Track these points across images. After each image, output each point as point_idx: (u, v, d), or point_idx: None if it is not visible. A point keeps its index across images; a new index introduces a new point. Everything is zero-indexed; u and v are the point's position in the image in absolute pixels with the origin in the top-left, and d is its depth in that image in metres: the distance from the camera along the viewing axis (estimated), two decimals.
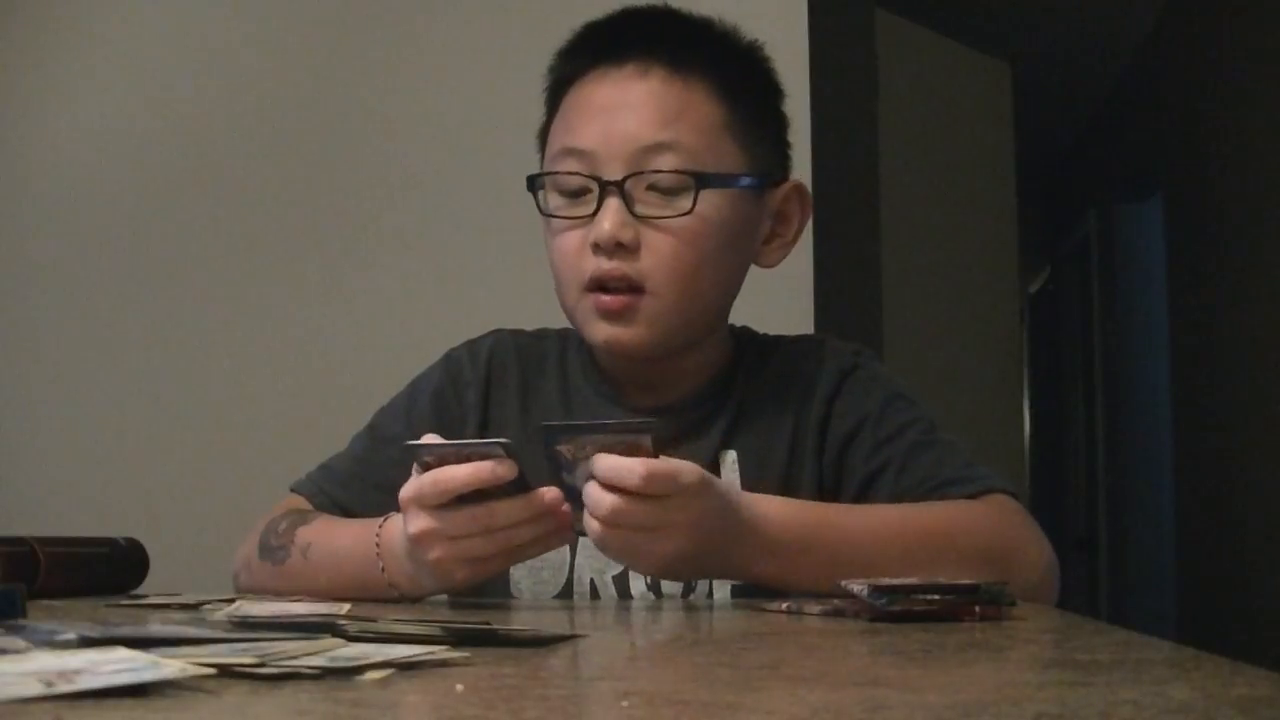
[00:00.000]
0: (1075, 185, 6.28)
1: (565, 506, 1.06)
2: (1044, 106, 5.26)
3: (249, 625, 0.81)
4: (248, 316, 2.40)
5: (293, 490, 1.38)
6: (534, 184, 1.32)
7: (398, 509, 1.11)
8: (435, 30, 2.41)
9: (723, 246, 1.29)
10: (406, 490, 1.08)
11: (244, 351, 2.39)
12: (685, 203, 1.26)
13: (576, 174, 1.27)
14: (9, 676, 0.51)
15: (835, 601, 1.01)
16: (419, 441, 1.08)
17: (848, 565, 1.09)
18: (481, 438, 1.34)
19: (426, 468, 1.07)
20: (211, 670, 0.56)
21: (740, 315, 1.39)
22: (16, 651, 0.59)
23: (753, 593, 1.21)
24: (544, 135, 1.35)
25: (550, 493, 1.06)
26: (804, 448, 1.31)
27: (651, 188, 1.26)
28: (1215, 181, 4.18)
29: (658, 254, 1.25)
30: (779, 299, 1.88)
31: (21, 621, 0.75)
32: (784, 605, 1.05)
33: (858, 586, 0.96)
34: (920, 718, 0.51)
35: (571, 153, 1.28)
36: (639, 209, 1.25)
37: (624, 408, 1.34)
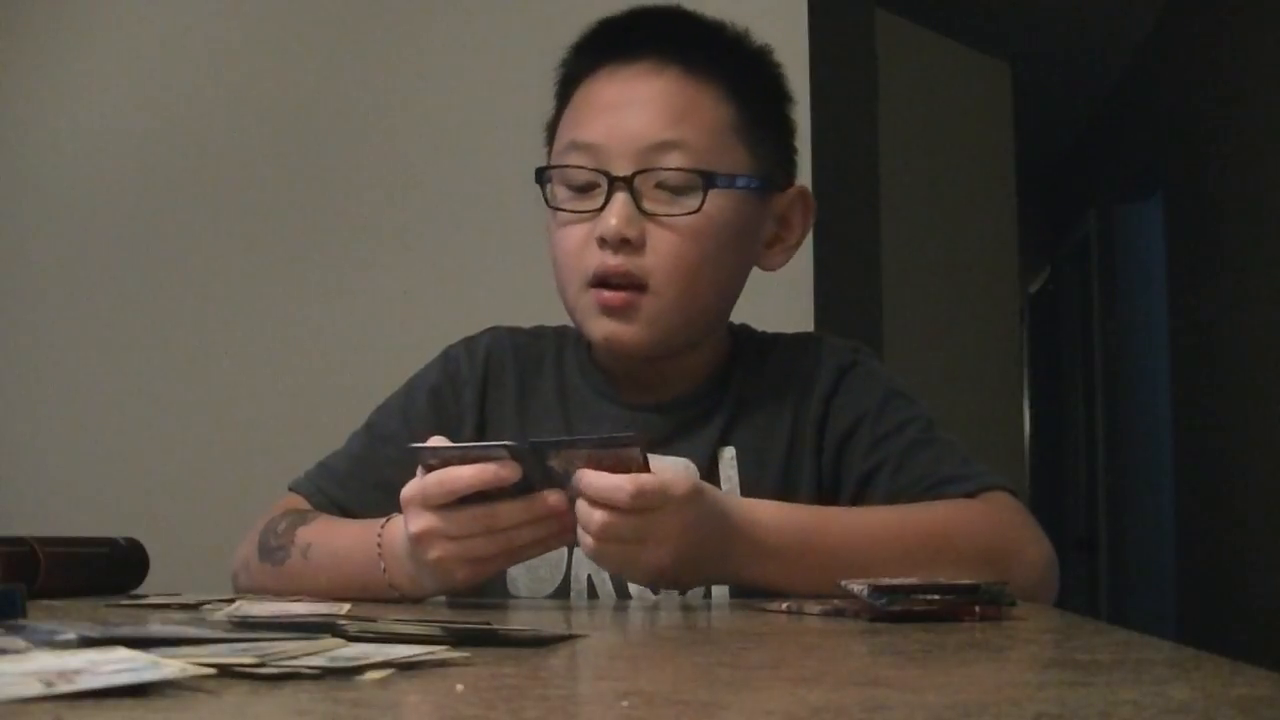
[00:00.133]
0: (1075, 185, 6.28)
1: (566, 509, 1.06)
2: (1044, 106, 5.26)
3: (249, 625, 0.81)
4: (247, 316, 2.40)
5: (290, 489, 1.38)
6: (542, 177, 1.32)
7: (396, 507, 1.10)
8: (436, 30, 2.41)
9: (726, 247, 1.29)
10: (409, 490, 1.08)
11: (244, 351, 2.39)
12: (693, 201, 1.25)
13: (584, 168, 1.27)
14: (9, 676, 0.51)
15: (835, 601, 1.01)
16: (424, 444, 1.08)
17: (845, 568, 1.08)
18: (479, 436, 1.34)
19: (430, 470, 1.06)
20: (211, 670, 0.56)
21: (740, 315, 1.39)
22: (16, 651, 0.59)
23: (751, 593, 1.21)
24: (552, 129, 1.35)
25: (553, 495, 1.06)
26: (802, 445, 1.31)
27: (660, 185, 1.26)
28: (1215, 181, 4.18)
29: (662, 252, 1.25)
30: (779, 299, 1.88)
31: (21, 621, 0.74)
32: (784, 605, 1.05)
33: (857, 586, 0.96)
34: (920, 718, 0.51)
35: (579, 147, 1.28)
36: (647, 205, 1.25)
37: (621, 405, 1.34)
